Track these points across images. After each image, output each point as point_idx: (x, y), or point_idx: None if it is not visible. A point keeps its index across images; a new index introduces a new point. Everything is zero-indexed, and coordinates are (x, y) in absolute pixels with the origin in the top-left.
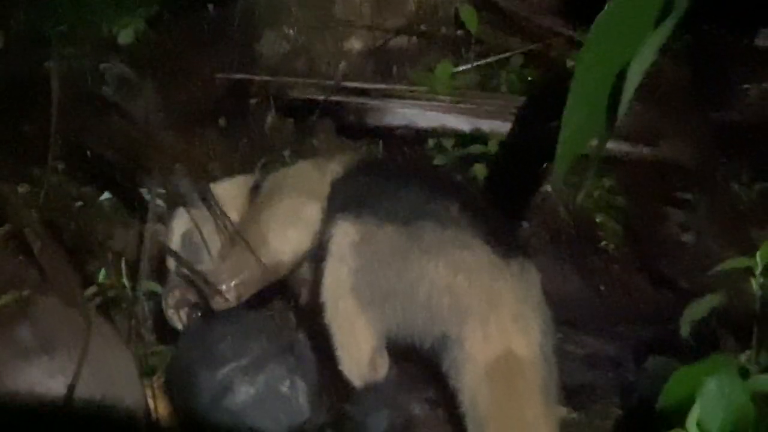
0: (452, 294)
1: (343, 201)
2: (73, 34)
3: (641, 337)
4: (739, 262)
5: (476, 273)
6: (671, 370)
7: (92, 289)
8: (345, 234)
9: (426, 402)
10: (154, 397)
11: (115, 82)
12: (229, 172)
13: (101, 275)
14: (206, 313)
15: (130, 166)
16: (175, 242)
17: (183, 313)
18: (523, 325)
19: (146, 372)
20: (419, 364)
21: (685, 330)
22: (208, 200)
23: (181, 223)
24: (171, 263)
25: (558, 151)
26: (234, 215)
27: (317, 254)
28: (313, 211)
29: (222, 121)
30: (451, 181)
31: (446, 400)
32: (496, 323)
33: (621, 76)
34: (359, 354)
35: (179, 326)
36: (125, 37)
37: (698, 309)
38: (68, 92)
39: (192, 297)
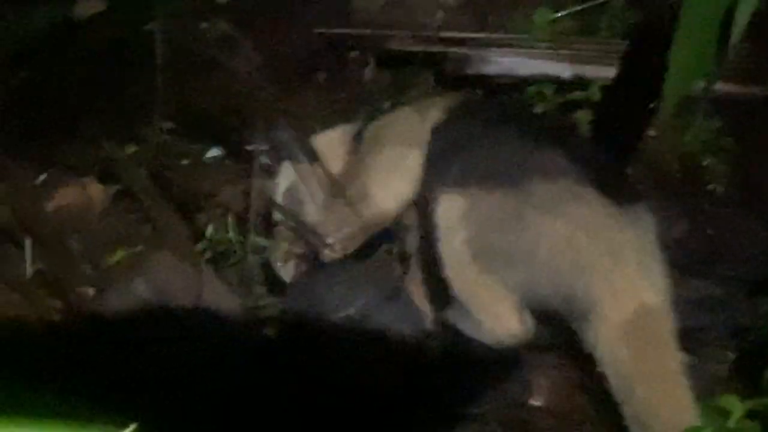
0: (573, 250)
1: (443, 164)
2: None
3: (753, 278)
4: None
5: (594, 226)
6: None
7: (202, 244)
8: (451, 206)
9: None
10: None
11: (216, 40)
12: (329, 126)
13: (209, 231)
14: (313, 264)
15: (235, 123)
16: (281, 196)
17: (291, 266)
18: (647, 274)
19: (256, 323)
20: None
21: None
22: (309, 153)
23: (286, 177)
24: (278, 217)
25: (664, 90)
26: (337, 166)
27: (424, 226)
28: (414, 158)
29: (321, 76)
30: (554, 127)
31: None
32: (622, 277)
33: (729, 14)
34: (503, 312)
35: (287, 278)
36: None
37: None
38: (171, 52)
39: (299, 249)
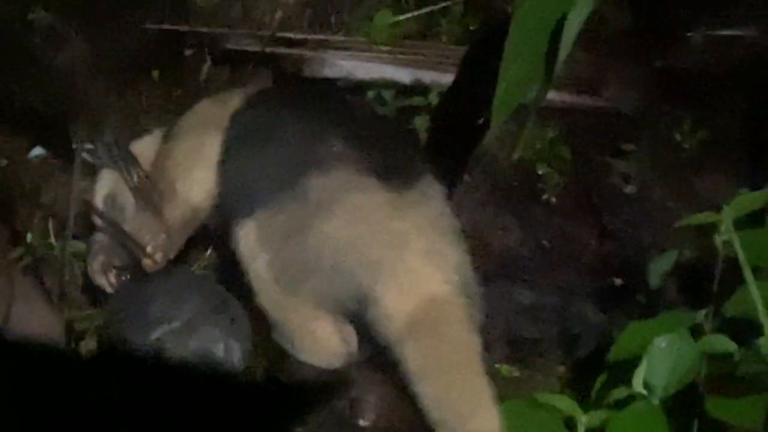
0: (356, 248)
1: (237, 184)
2: None
3: (585, 289)
4: (705, 217)
5: (374, 217)
6: (621, 323)
7: (20, 250)
8: (247, 233)
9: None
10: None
11: (42, 32)
12: (164, 124)
13: (29, 235)
14: (135, 274)
15: (60, 120)
16: (101, 202)
17: (111, 276)
18: (435, 261)
19: (75, 336)
20: None
21: (655, 280)
22: (129, 157)
23: (105, 183)
24: (97, 224)
25: (495, 101)
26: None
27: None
28: (214, 145)
29: (156, 73)
30: (338, 108)
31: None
32: (406, 269)
33: (560, 24)
34: (320, 333)
35: (108, 289)
36: None
37: (664, 261)
38: None
39: (119, 259)
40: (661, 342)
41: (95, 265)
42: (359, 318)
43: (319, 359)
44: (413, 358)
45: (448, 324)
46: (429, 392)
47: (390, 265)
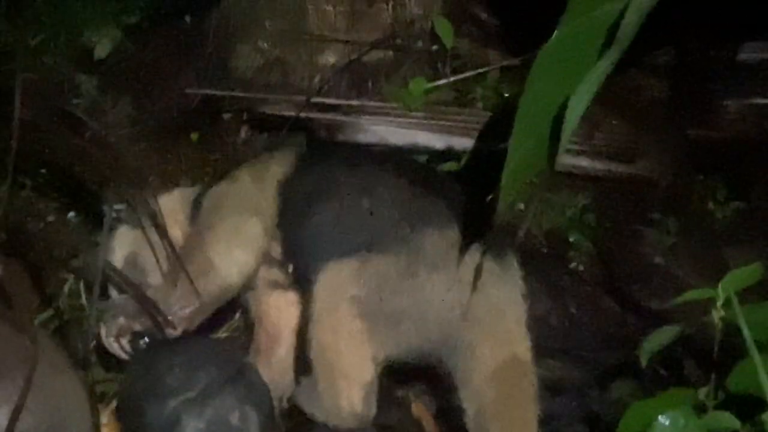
0: (462, 305)
1: (323, 202)
2: (52, 44)
3: (608, 361)
4: (701, 293)
5: (482, 283)
6: (636, 397)
7: (49, 312)
8: (340, 268)
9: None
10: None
11: (89, 95)
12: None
13: (62, 297)
14: (153, 341)
15: (97, 183)
16: (117, 263)
17: (125, 342)
18: (522, 330)
19: (100, 399)
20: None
21: (644, 360)
22: (156, 220)
23: (124, 243)
24: (112, 287)
25: (503, 179)
26: (176, 231)
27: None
28: (255, 226)
29: (194, 136)
30: (422, 174)
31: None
32: (504, 331)
33: (566, 106)
34: (355, 389)
35: (122, 355)
36: (102, 50)
37: (657, 339)
38: (39, 105)
39: (136, 324)
40: (664, 420)
41: (113, 328)
42: (432, 364)
43: (336, 415)
44: (488, 402)
45: (524, 385)
46: None
47: (489, 323)
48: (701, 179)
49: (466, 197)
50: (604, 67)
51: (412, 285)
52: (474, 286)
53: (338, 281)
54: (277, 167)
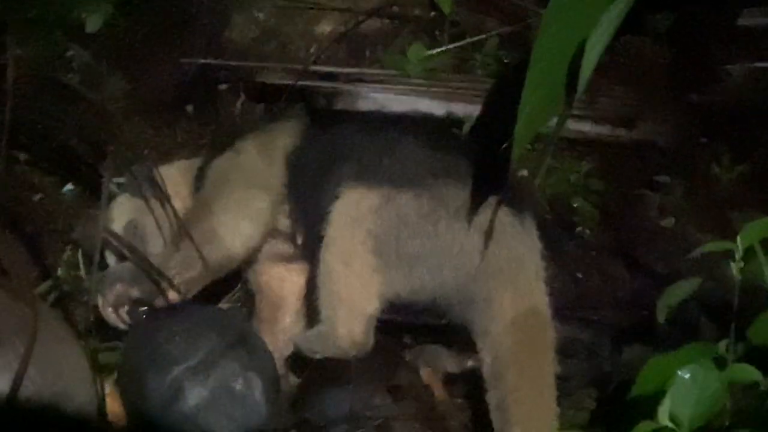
0: (482, 257)
1: (339, 162)
2: (43, 19)
3: (618, 324)
4: (719, 245)
5: (502, 235)
6: (647, 358)
7: (48, 283)
8: (361, 197)
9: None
10: (108, 395)
11: (81, 69)
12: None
13: (60, 269)
14: (152, 309)
15: (93, 155)
16: (120, 230)
17: (123, 311)
18: (541, 285)
19: (101, 369)
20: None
21: (661, 316)
22: (158, 189)
23: (124, 211)
24: (109, 255)
25: (517, 129)
26: (177, 202)
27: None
28: (264, 203)
29: (190, 108)
30: (437, 130)
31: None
32: (523, 282)
33: (580, 51)
34: (359, 319)
35: (120, 325)
36: (93, 24)
37: (675, 294)
38: (33, 80)
39: (135, 292)
40: (684, 374)
41: (110, 297)
42: (443, 314)
43: (336, 345)
44: (505, 349)
45: (541, 336)
46: (504, 380)
47: (510, 276)
48: (705, 143)
49: (481, 154)
50: (620, 8)
51: (432, 231)
52: (489, 234)
53: (356, 211)
54: (284, 139)
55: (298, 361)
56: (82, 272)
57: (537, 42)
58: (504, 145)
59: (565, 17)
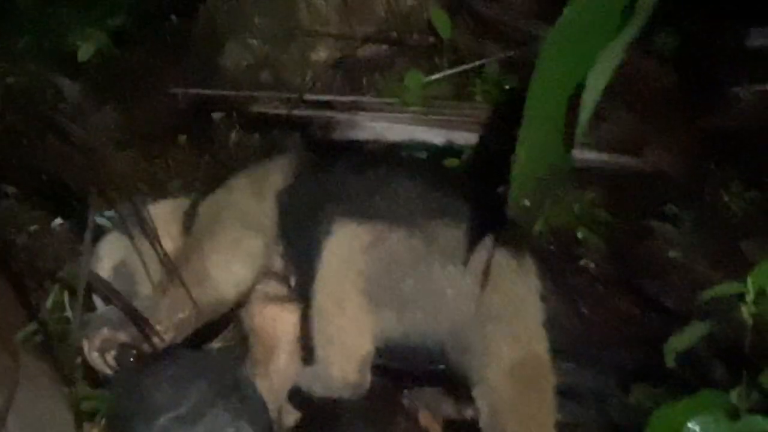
0: (479, 302)
1: (331, 200)
2: (36, 48)
3: (626, 363)
4: (729, 287)
5: (499, 278)
6: (658, 402)
7: (32, 326)
8: (352, 236)
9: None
10: None
11: (73, 99)
12: (191, 190)
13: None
14: (139, 354)
15: (82, 190)
16: (105, 272)
17: (110, 356)
18: (541, 329)
19: (87, 416)
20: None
21: (669, 360)
22: (148, 228)
23: (113, 251)
24: (98, 297)
25: (513, 174)
26: (167, 242)
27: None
28: (257, 245)
29: (183, 138)
30: (437, 170)
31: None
32: (522, 328)
33: (582, 84)
34: (353, 361)
35: (106, 370)
36: (85, 53)
37: (684, 338)
38: (23, 111)
39: (122, 337)
40: (694, 426)
41: (96, 341)
42: (438, 360)
43: (333, 384)
44: (504, 400)
45: (542, 384)
46: None
47: (507, 319)
48: (714, 170)
49: (477, 192)
50: (623, 41)
51: (424, 273)
52: (485, 278)
53: (348, 250)
54: (276, 176)
55: (294, 401)
56: (69, 314)
57: (533, 78)
58: (499, 190)
59: (562, 52)
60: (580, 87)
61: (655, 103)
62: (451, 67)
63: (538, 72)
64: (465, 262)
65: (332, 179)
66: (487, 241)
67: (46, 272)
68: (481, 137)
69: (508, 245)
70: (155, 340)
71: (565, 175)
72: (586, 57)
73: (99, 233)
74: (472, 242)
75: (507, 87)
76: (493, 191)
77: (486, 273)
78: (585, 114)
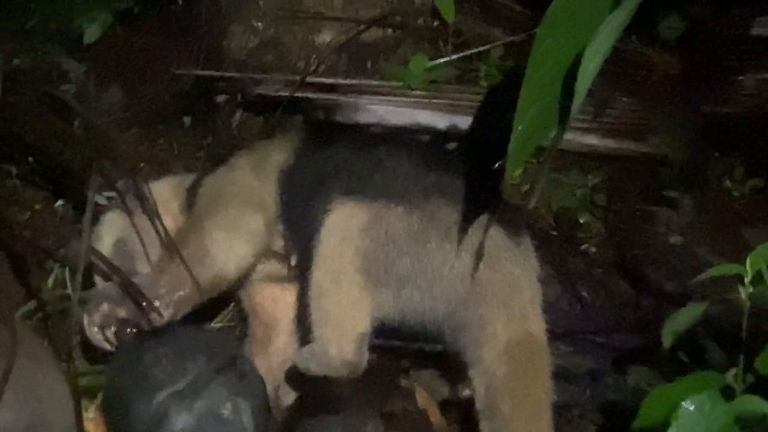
0: (475, 281)
1: (331, 179)
2: (42, 29)
3: (624, 347)
4: (727, 268)
5: (496, 259)
6: (654, 384)
7: (31, 305)
8: (350, 214)
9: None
10: (93, 420)
11: (78, 80)
12: (195, 171)
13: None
14: (139, 331)
15: (85, 170)
16: (105, 250)
17: (109, 332)
18: (537, 309)
19: (85, 393)
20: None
21: (667, 341)
22: (149, 205)
23: (113, 228)
24: (97, 276)
25: (510, 147)
26: (168, 220)
27: (302, 234)
28: (258, 224)
29: (187, 120)
30: (436, 151)
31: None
32: (518, 307)
33: (577, 64)
34: (350, 338)
35: (106, 346)
36: (91, 35)
37: (681, 319)
38: (28, 92)
39: (122, 312)
40: (689, 405)
41: (96, 316)
42: (434, 338)
43: (330, 363)
44: (499, 378)
45: (537, 362)
46: (499, 412)
47: (504, 300)
48: (717, 156)
49: (474, 171)
50: (621, 17)
51: (422, 251)
52: (480, 257)
53: (346, 228)
54: (278, 155)
55: (292, 380)
56: (69, 291)
57: (532, 54)
58: (497, 165)
59: (562, 27)
60: (577, 63)
61: (659, 89)
62: (455, 51)
63: (537, 45)
64: (461, 241)
65: (332, 158)
66: (484, 220)
67: (48, 251)
68: (478, 117)
69: (507, 225)
70: (154, 316)
71: (566, 157)
72: (587, 29)
73: (99, 212)
74: (469, 221)
75: (510, 71)
76: (491, 170)
77: (480, 252)
78: (581, 90)
